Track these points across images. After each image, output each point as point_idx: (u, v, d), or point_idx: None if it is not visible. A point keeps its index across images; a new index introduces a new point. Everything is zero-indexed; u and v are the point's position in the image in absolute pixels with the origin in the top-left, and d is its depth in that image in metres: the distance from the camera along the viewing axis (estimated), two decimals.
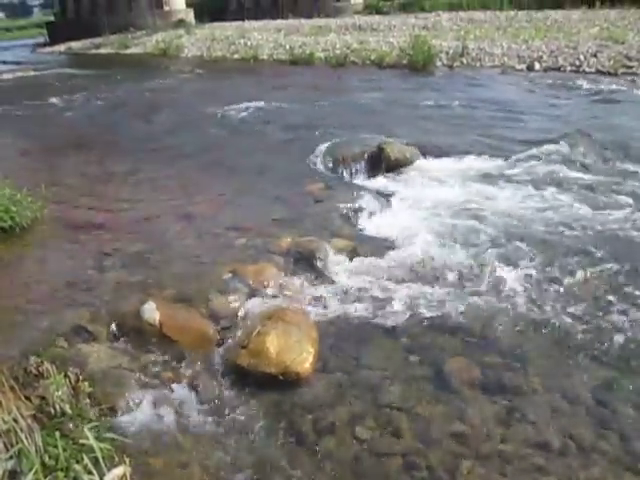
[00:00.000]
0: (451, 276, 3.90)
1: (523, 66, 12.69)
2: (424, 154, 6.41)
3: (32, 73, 21.14)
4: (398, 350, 3.23)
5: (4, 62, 28.38)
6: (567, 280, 3.76)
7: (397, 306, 3.59)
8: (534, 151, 6.25)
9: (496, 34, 17.30)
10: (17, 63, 27.07)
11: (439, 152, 6.51)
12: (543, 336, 3.24)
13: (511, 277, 3.80)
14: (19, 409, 2.52)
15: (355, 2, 36.66)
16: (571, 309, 3.44)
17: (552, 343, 3.18)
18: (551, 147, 6.29)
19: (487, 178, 5.71)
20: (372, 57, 15.44)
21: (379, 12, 31.08)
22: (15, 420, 2.44)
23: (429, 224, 4.71)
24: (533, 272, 3.85)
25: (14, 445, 2.34)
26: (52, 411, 2.60)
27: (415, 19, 24.56)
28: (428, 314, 3.49)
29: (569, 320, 3.34)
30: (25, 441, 2.35)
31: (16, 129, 10.14)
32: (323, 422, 2.72)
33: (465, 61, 13.92)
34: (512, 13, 23.25)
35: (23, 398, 2.65)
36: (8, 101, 13.24)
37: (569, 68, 12.02)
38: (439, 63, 13.99)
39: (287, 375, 2.93)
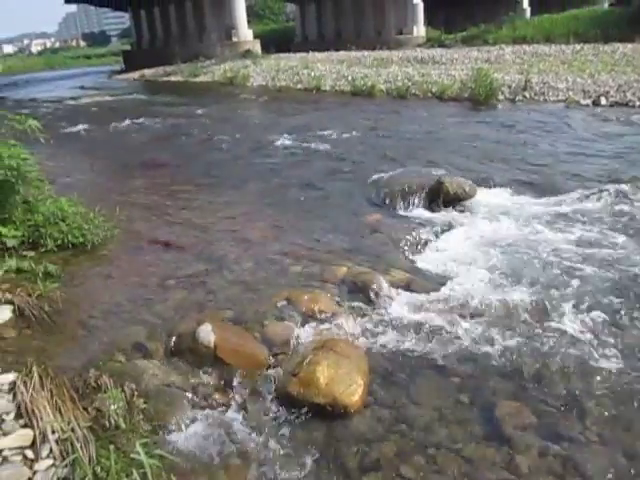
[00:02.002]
0: (507, 315, 3.80)
1: (588, 101, 12.40)
2: (484, 189, 6.33)
3: (108, 98, 22.47)
4: (449, 388, 3.16)
5: (83, 87, 30.33)
6: (630, 325, 3.59)
7: (450, 343, 3.53)
8: (600, 190, 6.06)
9: (561, 68, 17.02)
10: (95, 88, 28.85)
11: (499, 187, 6.42)
12: (603, 384, 3.09)
13: (570, 319, 3.66)
14: (77, 419, 2.64)
15: (417, 35, 37.09)
16: (634, 356, 3.27)
17: (612, 392, 3.03)
18: (619, 187, 6.08)
19: (549, 216, 5.56)
20: (433, 89, 15.49)
21: (441, 45, 31.25)
22: (73, 430, 2.55)
23: (486, 260, 4.63)
24: (593, 315, 3.70)
25: (70, 454, 2.44)
26: (107, 424, 2.70)
27: (478, 52, 24.51)
28: (481, 353, 3.41)
29: (631, 368, 3.18)
30: (80, 451, 2.45)
31: (92, 150, 10.78)
32: (369, 457, 2.69)
33: (528, 95, 13.75)
34: (578, 46, 22.84)
35: (81, 409, 2.77)
36: (86, 124, 14.11)
37: (638, 103, 11.65)
38: (501, 97, 13.86)
39: (336, 407, 2.92)
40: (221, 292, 4.05)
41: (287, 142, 10.03)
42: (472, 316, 3.80)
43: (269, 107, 16.81)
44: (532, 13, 39.75)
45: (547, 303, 3.88)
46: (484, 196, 6.21)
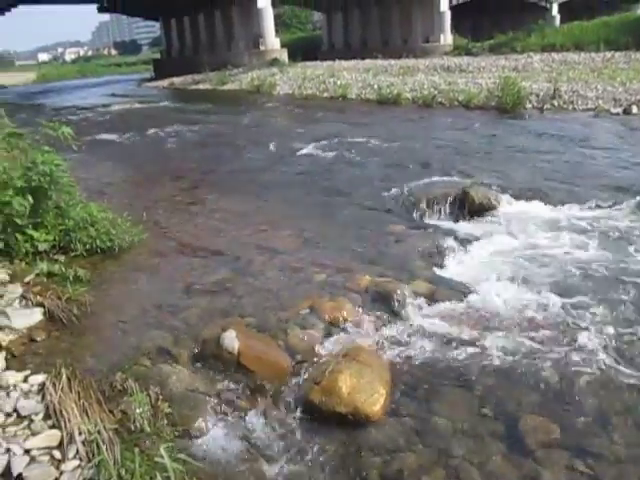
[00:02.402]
0: (531, 327, 3.75)
1: (619, 109, 12.19)
2: (510, 199, 6.26)
3: (137, 105, 22.88)
4: (472, 400, 3.13)
5: (114, 95, 30.95)
6: None
7: (473, 354, 3.50)
8: (631, 202, 5.94)
9: (590, 76, 16.76)
10: (125, 96, 29.40)
11: (526, 197, 6.34)
12: (630, 399, 3.03)
13: (597, 334, 3.60)
14: (103, 422, 2.69)
15: (444, 43, 36.94)
16: None
17: None
18: None
19: (576, 228, 5.48)
20: (460, 98, 15.41)
21: (468, 53, 31.07)
22: (99, 432, 2.60)
23: (512, 272, 4.58)
24: (622, 330, 3.63)
25: (95, 455, 2.50)
26: (132, 427, 2.75)
27: (505, 60, 24.31)
28: (505, 365, 3.38)
29: None
30: (106, 453, 2.50)
31: (120, 157, 10.99)
32: (390, 468, 2.68)
33: (556, 103, 13.58)
34: (609, 54, 22.49)
35: (107, 411, 2.83)
36: (116, 131, 14.40)
37: None
38: (529, 105, 13.73)
39: (357, 416, 2.93)
40: (245, 299, 4.09)
41: (312, 150, 10.08)
42: (496, 328, 3.77)
43: (295, 115, 16.93)
44: (561, 21, 39.27)
45: (574, 317, 3.83)
46: (510, 206, 6.14)
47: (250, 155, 10.35)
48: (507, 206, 6.12)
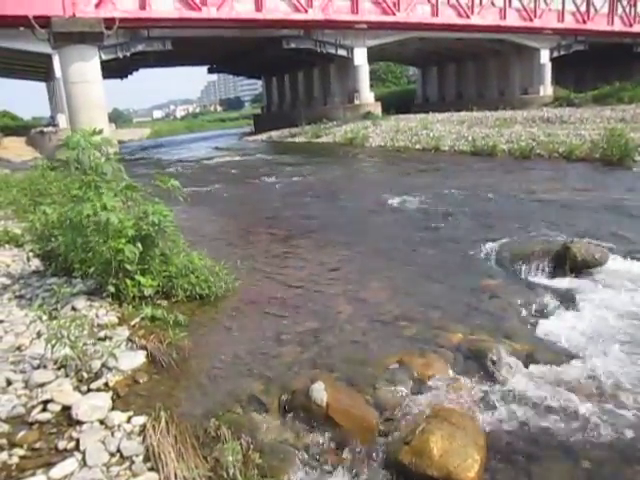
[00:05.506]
0: None
1: None
2: (617, 256, 5.87)
3: (237, 158, 24.27)
4: (578, 475, 2.89)
5: (217, 148, 33.09)
6: None
7: (577, 423, 3.25)
8: None
9: None
10: (227, 149, 31.35)
11: (636, 255, 5.92)
12: None
13: None
14: (197, 468, 2.76)
15: (543, 94, 36.18)
16: None
17: None
18: None
19: None
20: (560, 150, 14.90)
21: (570, 104, 30.14)
22: (194, 478, 2.67)
23: (619, 334, 4.26)
24: None
25: None
26: (224, 474, 2.78)
27: (611, 111, 23.25)
28: (613, 438, 3.10)
29: None
30: None
31: (219, 207, 11.61)
32: None
33: None
34: None
35: (201, 457, 2.90)
36: (216, 182, 15.30)
37: None
38: (638, 157, 12.97)
39: None
40: (333, 351, 4.08)
41: (403, 202, 10.09)
42: (601, 396, 3.49)
43: (385, 167, 17.13)
44: None
45: None
46: (618, 264, 5.75)
47: (341, 206, 10.55)
48: (614, 264, 5.74)
